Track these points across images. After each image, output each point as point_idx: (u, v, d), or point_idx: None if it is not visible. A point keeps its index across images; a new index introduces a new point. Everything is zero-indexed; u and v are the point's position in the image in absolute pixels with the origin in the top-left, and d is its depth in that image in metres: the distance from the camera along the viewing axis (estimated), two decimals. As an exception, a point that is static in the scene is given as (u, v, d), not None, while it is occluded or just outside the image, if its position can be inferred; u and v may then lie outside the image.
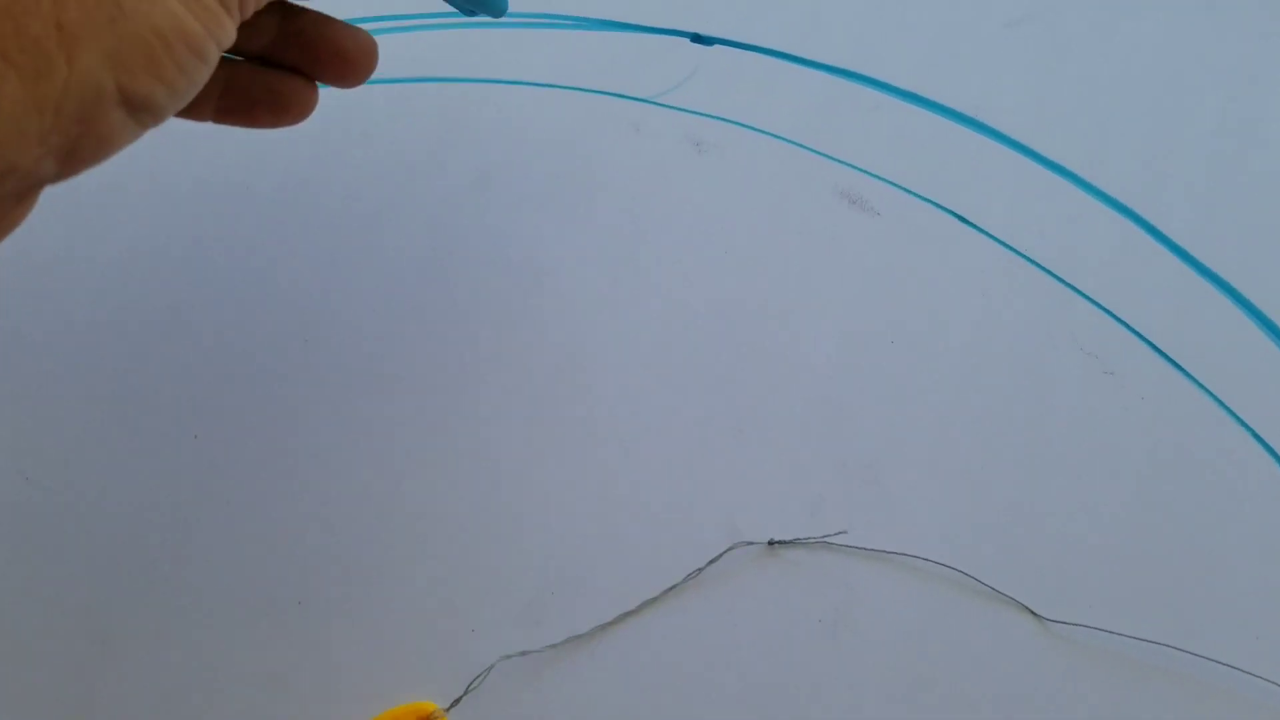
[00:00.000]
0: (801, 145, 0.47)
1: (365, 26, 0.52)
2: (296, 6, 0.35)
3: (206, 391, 0.42)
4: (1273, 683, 0.35)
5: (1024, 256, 0.43)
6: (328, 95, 0.50)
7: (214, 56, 0.26)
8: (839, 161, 0.46)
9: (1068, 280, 0.42)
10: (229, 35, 0.26)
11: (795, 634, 0.36)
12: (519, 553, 0.38)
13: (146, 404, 0.42)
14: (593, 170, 0.47)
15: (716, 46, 0.50)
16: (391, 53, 0.52)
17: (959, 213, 0.44)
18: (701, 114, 0.48)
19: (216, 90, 0.35)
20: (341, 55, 0.35)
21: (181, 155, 0.48)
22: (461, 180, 0.47)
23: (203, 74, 0.26)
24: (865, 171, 0.46)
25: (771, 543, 0.38)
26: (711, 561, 0.37)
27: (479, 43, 0.51)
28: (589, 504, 0.39)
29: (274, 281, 0.44)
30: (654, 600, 0.37)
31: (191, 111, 0.34)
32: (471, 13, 0.41)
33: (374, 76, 0.51)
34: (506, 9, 0.41)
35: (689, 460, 0.39)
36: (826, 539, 0.37)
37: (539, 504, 0.39)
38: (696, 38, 0.51)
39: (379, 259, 0.45)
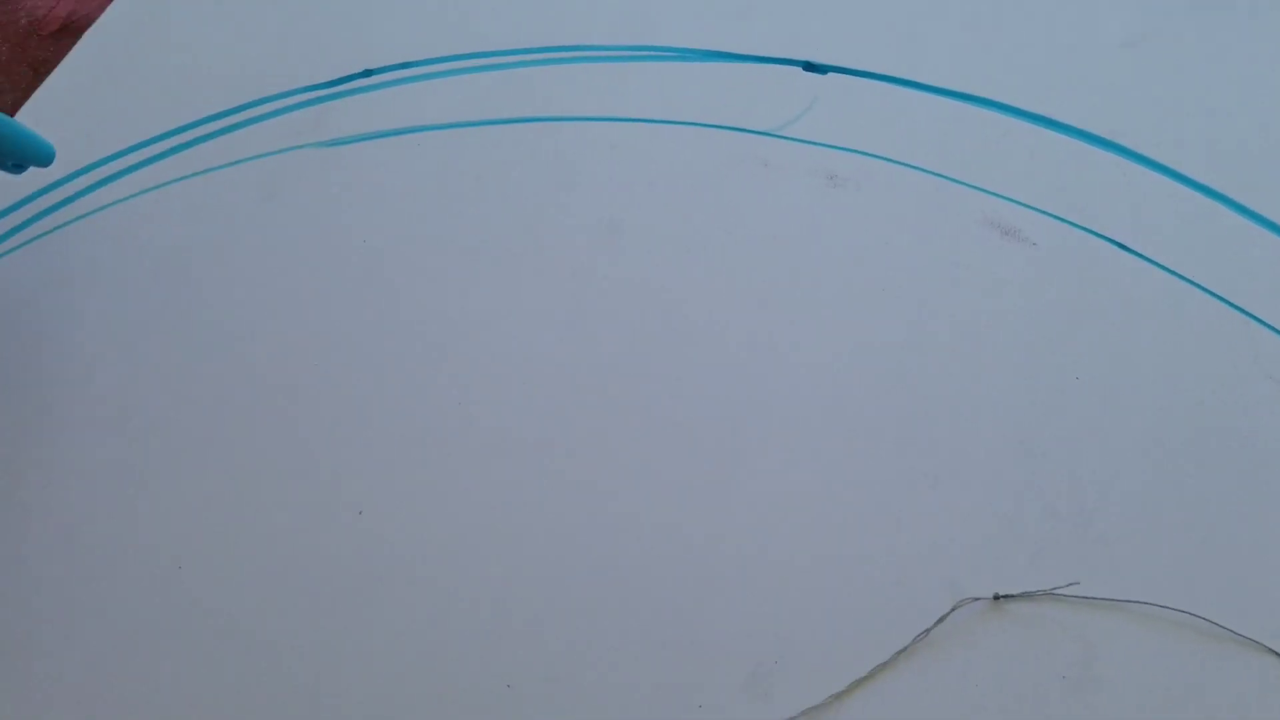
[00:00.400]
0: (940, 175, 0.45)
1: (460, 64, 0.50)
2: None
3: (373, 468, 0.39)
4: None
5: (1192, 283, 0.42)
6: (436, 138, 0.47)
7: None
8: (982, 190, 0.45)
9: (1240, 305, 0.41)
10: None
11: (1040, 692, 0.35)
12: (736, 623, 0.36)
13: (312, 482, 0.39)
14: (726, 210, 0.45)
15: (830, 75, 0.49)
16: (495, 92, 0.49)
17: (1118, 240, 0.43)
18: (830, 146, 0.47)
19: None
20: None
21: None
22: (589, 222, 0.44)
23: None
24: (1011, 200, 0.45)
25: (997, 597, 0.36)
26: (940, 621, 0.36)
27: (580, 78, 0.49)
28: (800, 569, 0.37)
29: (416, 338, 0.42)
30: (885, 665, 0.35)
31: None
32: (19, 169, 0.41)
33: (485, 117, 0.48)
34: (54, 156, 0.42)
35: (891, 517, 0.37)
36: (1056, 591, 0.36)
37: (752, 573, 0.37)
38: (809, 66, 0.49)
39: (513, 313, 0.42)
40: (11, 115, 0.49)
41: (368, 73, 0.49)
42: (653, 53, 0.50)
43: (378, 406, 0.40)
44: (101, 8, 0.51)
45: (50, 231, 0.45)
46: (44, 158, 0.41)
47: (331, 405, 0.40)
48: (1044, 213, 0.44)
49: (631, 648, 0.35)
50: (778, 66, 0.49)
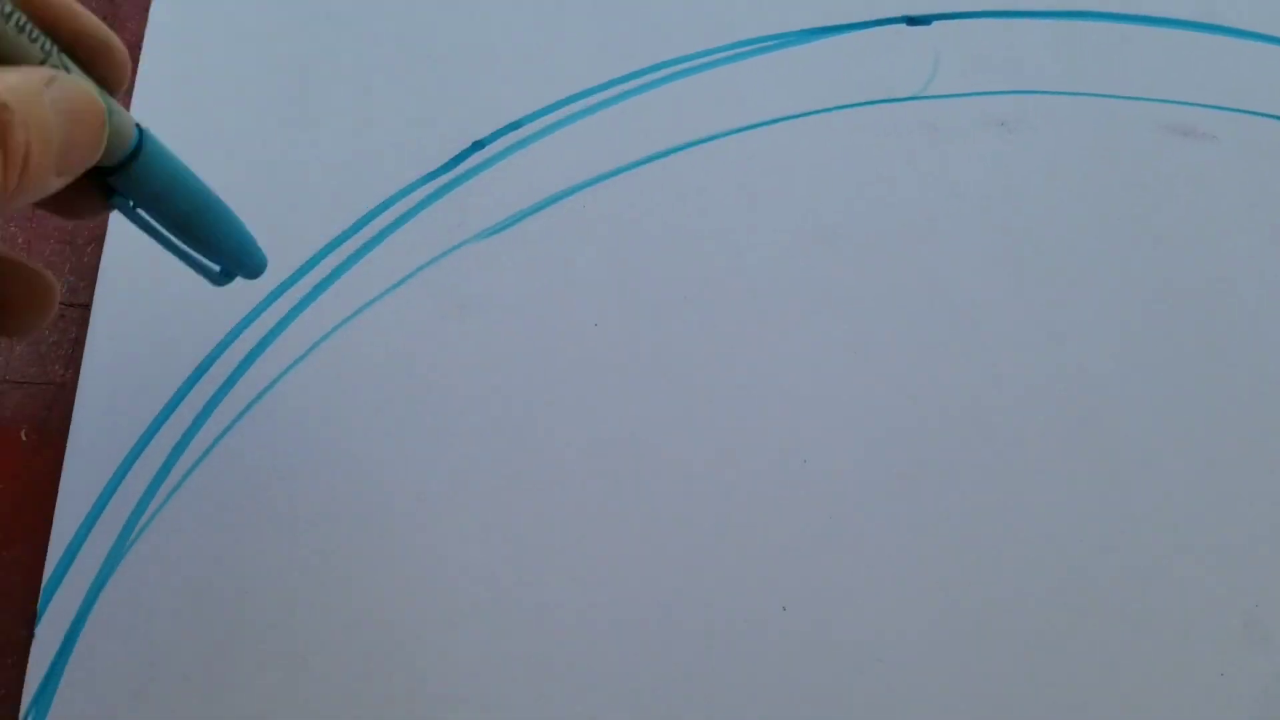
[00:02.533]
0: (1097, 94, 0.46)
1: (568, 110, 0.46)
2: None
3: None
4: None
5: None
6: (594, 195, 0.43)
7: None
8: (1144, 99, 0.45)
9: None
10: None
11: None
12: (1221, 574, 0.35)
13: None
14: (926, 183, 0.44)
15: (935, 24, 0.48)
16: (623, 129, 0.46)
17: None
18: (983, 94, 0.46)
19: None
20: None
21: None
22: (797, 232, 0.42)
23: None
24: (1175, 101, 0.45)
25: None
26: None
27: (698, 92, 0.46)
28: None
29: (679, 385, 0.39)
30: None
31: None
32: (228, 277, 0.35)
33: (631, 159, 0.45)
34: (265, 266, 0.36)
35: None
36: None
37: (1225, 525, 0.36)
38: (910, 20, 0.48)
39: (762, 338, 0.40)
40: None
41: (477, 145, 0.45)
42: (754, 47, 0.47)
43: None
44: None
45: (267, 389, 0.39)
46: (255, 267, 0.34)
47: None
48: (1213, 107, 0.45)
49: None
50: (880, 29, 0.48)
